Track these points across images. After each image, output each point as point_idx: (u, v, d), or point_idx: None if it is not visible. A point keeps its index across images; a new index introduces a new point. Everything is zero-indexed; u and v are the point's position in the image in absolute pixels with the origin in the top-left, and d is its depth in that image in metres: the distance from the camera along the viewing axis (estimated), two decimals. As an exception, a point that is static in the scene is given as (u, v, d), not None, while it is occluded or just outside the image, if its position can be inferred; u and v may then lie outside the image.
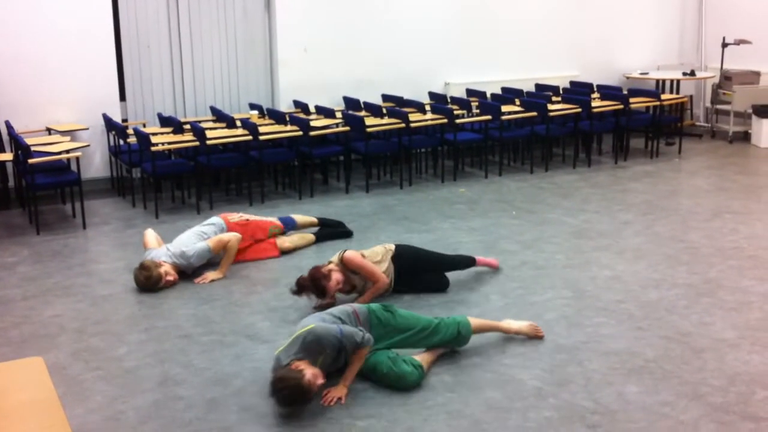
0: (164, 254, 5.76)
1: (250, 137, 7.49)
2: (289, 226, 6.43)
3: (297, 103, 8.89)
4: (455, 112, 8.54)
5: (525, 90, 9.68)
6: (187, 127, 7.77)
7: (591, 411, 3.86)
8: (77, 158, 7.06)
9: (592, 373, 4.23)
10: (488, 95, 9.44)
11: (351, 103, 8.91)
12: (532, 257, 6.07)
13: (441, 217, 7.17)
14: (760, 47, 10.11)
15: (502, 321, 4.74)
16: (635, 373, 4.22)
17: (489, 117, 8.59)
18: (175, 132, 7.75)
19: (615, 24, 10.81)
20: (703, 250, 6.12)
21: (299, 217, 6.56)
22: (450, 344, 4.47)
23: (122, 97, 8.46)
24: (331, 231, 6.60)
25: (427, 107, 8.77)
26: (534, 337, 4.68)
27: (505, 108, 8.75)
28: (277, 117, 8.18)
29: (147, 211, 7.47)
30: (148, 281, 5.53)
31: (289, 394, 3.83)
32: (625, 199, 7.60)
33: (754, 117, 10.03)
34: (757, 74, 10.31)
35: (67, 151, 7.12)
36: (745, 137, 10.27)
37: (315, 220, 6.63)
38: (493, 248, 6.29)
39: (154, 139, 7.32)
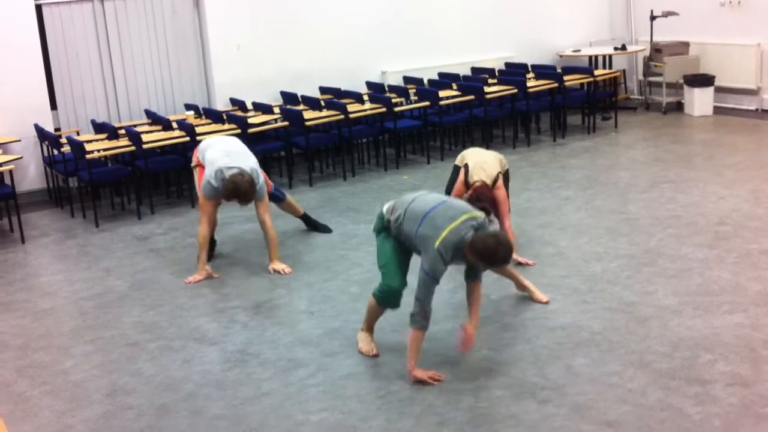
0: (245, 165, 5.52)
1: (187, 138, 7.39)
2: (277, 198, 6.29)
3: (234, 101, 8.80)
4: (393, 101, 8.54)
5: (461, 74, 9.72)
6: (122, 132, 7.63)
7: (541, 387, 3.91)
8: (11, 171, 6.89)
9: (540, 349, 4.29)
10: (425, 81, 9.47)
11: (288, 97, 8.86)
12: (477, 239, 6.10)
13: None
14: (687, 18, 10.31)
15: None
16: (582, 345, 4.29)
17: (427, 103, 8.61)
18: (109, 138, 7.61)
19: (546, 3, 10.91)
20: (643, 220, 6.24)
21: (290, 198, 6.46)
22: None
23: (53, 105, 8.27)
24: (311, 225, 6.61)
25: (366, 97, 8.75)
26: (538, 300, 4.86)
27: (442, 93, 8.78)
28: (214, 116, 8.09)
29: (86, 221, 7.33)
30: (251, 186, 5.37)
31: None
32: (565, 176, 7.69)
33: (685, 87, 10.23)
34: (686, 45, 10.51)
35: (0, 165, 6.94)
36: (678, 107, 10.48)
37: (301, 211, 6.56)
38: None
39: (88, 147, 7.18)
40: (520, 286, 4.96)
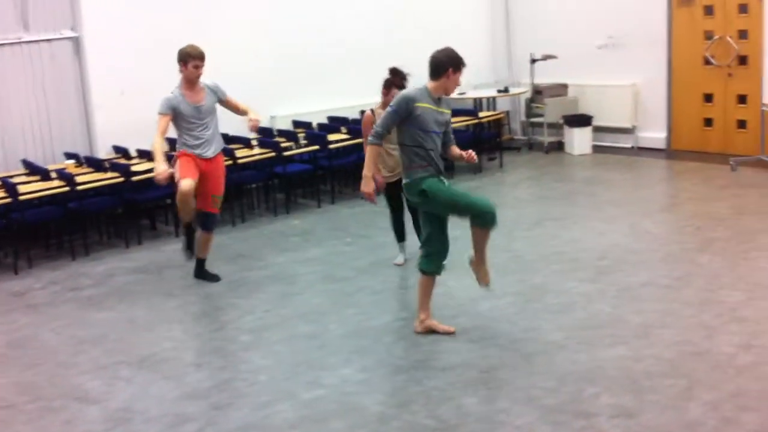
0: None
1: (67, 188, 7.14)
2: (206, 226, 6.31)
3: (117, 149, 8.56)
4: (283, 145, 8.52)
5: (351, 117, 9.80)
6: (-3, 183, 7.30)
7: (432, 428, 3.91)
8: None
9: (431, 390, 4.30)
10: (315, 125, 9.49)
11: (174, 144, 8.68)
12: (368, 282, 6.12)
13: (276, 251, 7.09)
14: (565, 61, 10.74)
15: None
16: (472, 384, 4.32)
17: (317, 147, 8.63)
18: (-17, 190, 7.27)
19: (432, 48, 11.13)
20: (528, 257, 6.39)
21: (211, 238, 6.40)
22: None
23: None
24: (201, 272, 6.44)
25: (254, 142, 8.69)
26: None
27: (332, 137, 8.82)
28: (96, 164, 7.85)
29: (-41, 277, 6.95)
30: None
31: None
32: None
33: (565, 127, 10.63)
34: (565, 86, 10.95)
35: None
36: (560, 146, 10.86)
37: (204, 255, 6.40)
38: (330, 277, 6.30)
39: (-40, 199, 6.84)
40: (478, 263, 5.03)
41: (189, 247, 6.46)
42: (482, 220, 4.81)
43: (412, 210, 6.14)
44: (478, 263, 5.04)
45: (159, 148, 6.07)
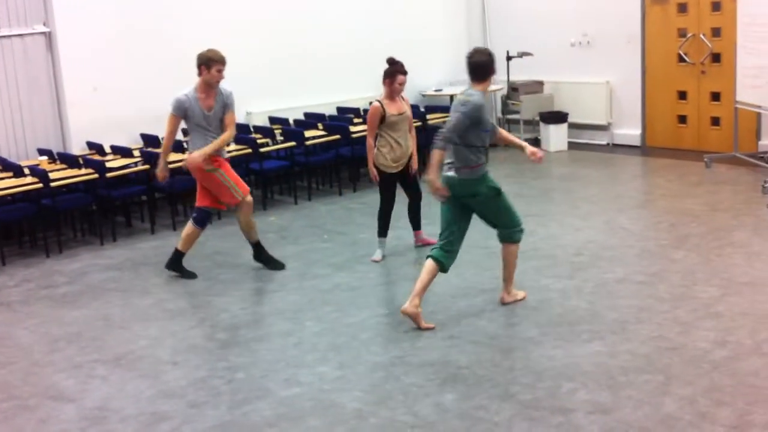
0: None
1: (40, 185, 7.06)
2: (201, 221, 6.31)
3: (91, 145, 8.48)
4: (259, 141, 8.48)
5: (327, 114, 9.77)
6: (-31, 179, 7.21)
7: (411, 425, 3.91)
8: None
9: (409, 387, 4.30)
10: (291, 122, 9.45)
11: (149, 139, 8.62)
12: (345, 279, 6.11)
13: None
14: (541, 58, 10.78)
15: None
16: (450, 381, 4.33)
17: (293, 143, 8.61)
18: (-45, 186, 7.17)
19: (408, 44, 11.13)
20: (506, 254, 6.39)
21: (199, 233, 6.36)
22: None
23: None
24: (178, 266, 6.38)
25: (230, 138, 8.63)
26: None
27: (308, 133, 8.80)
28: (70, 161, 7.76)
29: (-70, 275, 6.84)
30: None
31: None
32: (430, 213, 7.79)
33: (541, 124, 10.68)
34: (541, 83, 10.99)
35: None
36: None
37: (184, 250, 6.35)
38: (306, 274, 6.28)
39: (-69, 196, 6.74)
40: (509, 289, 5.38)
41: (269, 261, 6.43)
42: (518, 234, 5.25)
43: (417, 202, 6.56)
44: (509, 289, 5.36)
45: (166, 150, 6.25)
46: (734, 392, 4.02)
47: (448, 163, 5.06)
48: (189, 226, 6.29)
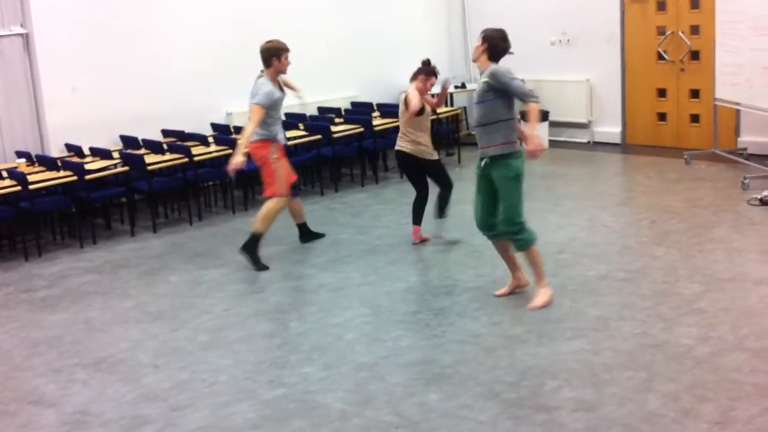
0: None
1: (18, 188, 6.98)
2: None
3: (69, 146, 8.39)
4: (240, 142, 8.41)
5: (308, 114, 9.74)
6: (-54, 183, 7.12)
7: (395, 425, 3.89)
8: None
9: (394, 387, 4.28)
10: (272, 122, 9.39)
11: (129, 141, 8.55)
12: (328, 279, 6.08)
13: (234, 249, 6.96)
14: (521, 56, 10.74)
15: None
16: (434, 380, 4.32)
17: (274, 143, 8.55)
18: (-69, 190, 7.07)
19: (388, 43, 11.14)
20: (488, 252, 6.35)
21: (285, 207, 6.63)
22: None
23: None
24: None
25: (211, 139, 8.59)
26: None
27: (289, 133, 8.74)
28: (48, 163, 7.68)
29: None
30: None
31: None
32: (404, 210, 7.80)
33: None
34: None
35: None
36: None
37: (260, 231, 6.45)
38: (289, 275, 6.25)
39: None
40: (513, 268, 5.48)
41: (256, 262, 6.44)
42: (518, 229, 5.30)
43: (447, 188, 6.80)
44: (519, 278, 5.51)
45: (247, 141, 6.34)
46: (717, 388, 4.04)
47: (507, 143, 5.33)
48: (294, 200, 6.72)
